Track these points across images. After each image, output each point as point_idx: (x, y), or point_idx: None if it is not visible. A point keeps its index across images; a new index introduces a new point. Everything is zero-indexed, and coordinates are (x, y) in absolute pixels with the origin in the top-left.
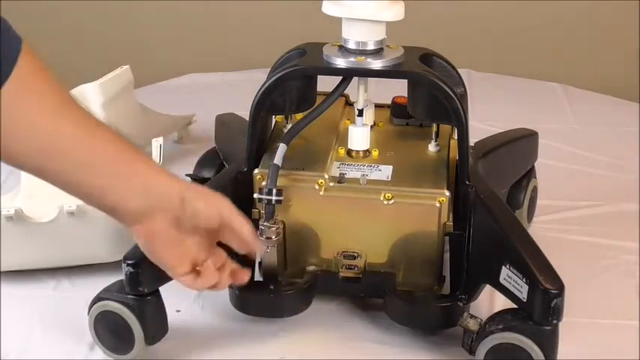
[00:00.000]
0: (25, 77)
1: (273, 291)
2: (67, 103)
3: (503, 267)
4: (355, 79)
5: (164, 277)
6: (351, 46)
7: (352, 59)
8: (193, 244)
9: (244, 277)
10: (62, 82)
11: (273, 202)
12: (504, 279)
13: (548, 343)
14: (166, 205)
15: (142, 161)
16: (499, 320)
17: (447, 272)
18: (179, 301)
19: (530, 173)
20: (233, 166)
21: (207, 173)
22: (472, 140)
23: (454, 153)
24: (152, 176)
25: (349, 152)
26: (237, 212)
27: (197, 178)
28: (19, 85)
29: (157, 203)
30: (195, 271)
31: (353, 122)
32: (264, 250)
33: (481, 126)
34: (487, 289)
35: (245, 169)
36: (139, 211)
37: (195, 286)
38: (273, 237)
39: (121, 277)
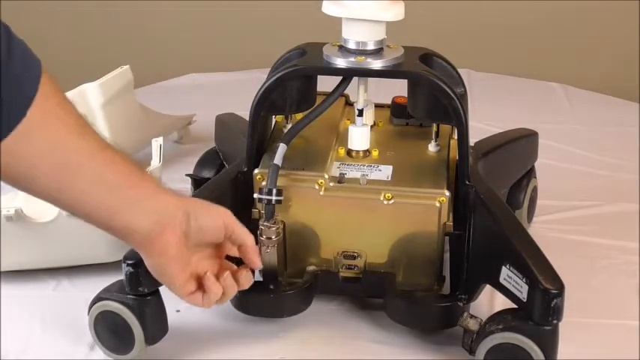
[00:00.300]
0: (47, 98)
1: (273, 291)
2: (84, 123)
3: (503, 267)
4: (355, 79)
5: None
6: (351, 46)
7: (352, 59)
8: (199, 260)
9: (247, 279)
10: (65, 88)
11: (273, 202)
12: (504, 279)
13: (548, 343)
14: (174, 221)
15: (149, 181)
16: (499, 320)
17: (447, 272)
18: (179, 301)
19: (530, 173)
20: (233, 166)
21: (207, 173)
22: (472, 140)
23: (454, 153)
24: (159, 195)
25: (349, 152)
26: (239, 224)
27: (197, 178)
28: (43, 107)
29: (165, 219)
30: (201, 288)
31: (353, 122)
32: (260, 267)
33: (481, 126)
34: (487, 289)
35: (245, 169)
36: (148, 228)
37: (203, 304)
38: (273, 237)
39: (121, 277)
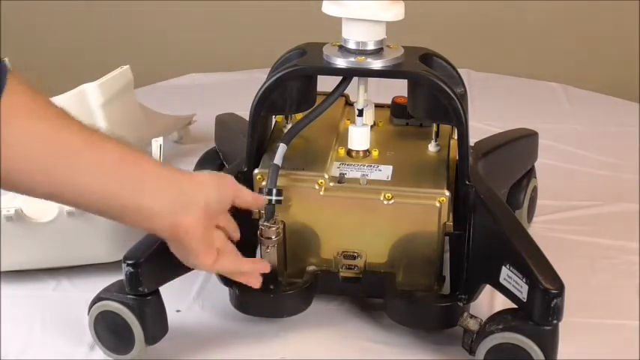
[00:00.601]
0: (14, 93)
1: (273, 291)
2: (64, 115)
3: (503, 267)
4: (355, 79)
5: (164, 277)
6: (351, 46)
7: (352, 59)
8: (218, 234)
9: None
10: (65, 88)
11: (273, 202)
12: (504, 279)
13: (548, 343)
14: (194, 206)
15: (150, 162)
16: (499, 320)
17: (447, 272)
18: (179, 301)
19: (530, 173)
20: (233, 166)
21: None
22: (472, 140)
23: (454, 153)
24: (178, 175)
25: (349, 152)
26: (243, 189)
27: None
28: (10, 104)
29: (186, 205)
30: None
31: (353, 122)
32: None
33: (481, 126)
34: (487, 289)
35: (245, 169)
36: (170, 208)
37: (230, 267)
38: (273, 237)
39: (121, 277)
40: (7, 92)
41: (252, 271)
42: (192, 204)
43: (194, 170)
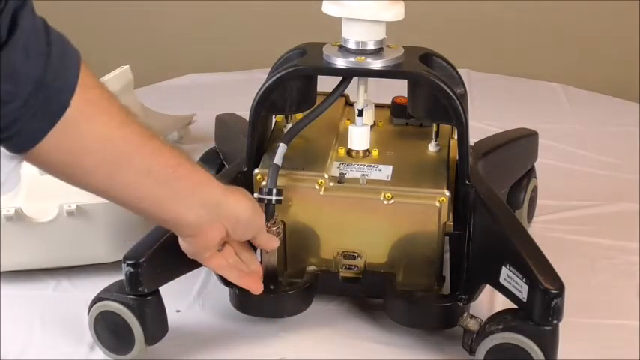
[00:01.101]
0: (88, 88)
1: (273, 291)
2: (127, 113)
3: (503, 267)
4: (355, 79)
5: (164, 277)
6: (351, 46)
7: (352, 59)
8: (229, 250)
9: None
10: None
11: (273, 202)
12: (504, 279)
13: (548, 343)
14: (221, 219)
15: (198, 172)
16: (499, 320)
17: (447, 272)
18: (179, 301)
19: (530, 173)
20: (233, 166)
21: None
22: (472, 140)
23: (454, 153)
24: (207, 188)
25: (349, 152)
26: (261, 215)
27: None
28: (85, 96)
29: (212, 216)
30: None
31: (353, 122)
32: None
33: (481, 126)
34: (487, 289)
35: (245, 169)
36: (195, 222)
37: (230, 272)
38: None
39: (121, 277)
40: (82, 86)
41: (247, 284)
42: (224, 219)
43: None
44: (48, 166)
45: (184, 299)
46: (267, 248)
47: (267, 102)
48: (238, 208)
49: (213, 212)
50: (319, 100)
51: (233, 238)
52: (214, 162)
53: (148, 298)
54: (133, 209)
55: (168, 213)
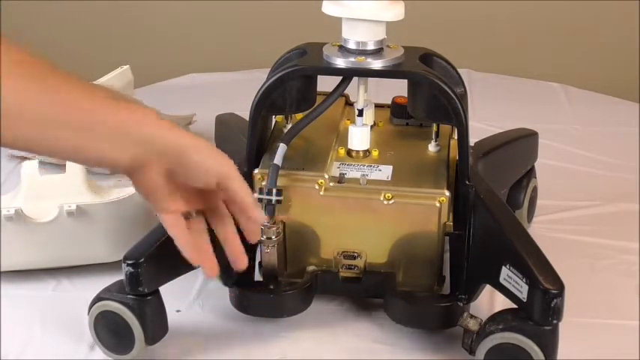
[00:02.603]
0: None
1: (273, 291)
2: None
3: (503, 267)
4: (355, 79)
5: (164, 277)
6: (351, 46)
7: (352, 59)
8: (186, 196)
9: (243, 260)
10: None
11: (273, 202)
12: (504, 279)
13: (548, 343)
14: (160, 157)
15: (127, 108)
16: (499, 320)
17: (447, 272)
18: (179, 301)
19: (530, 173)
20: None
21: None
22: (472, 140)
23: (454, 153)
24: (142, 124)
25: (349, 152)
26: (238, 175)
27: None
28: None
29: (146, 156)
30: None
31: (353, 122)
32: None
33: (481, 126)
34: (487, 289)
35: (245, 169)
36: (128, 163)
37: (182, 235)
38: (273, 237)
39: (121, 277)
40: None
41: (197, 259)
42: (162, 155)
43: None
44: None
45: (184, 299)
46: (243, 198)
47: (267, 102)
48: (180, 142)
49: (146, 149)
50: (319, 100)
51: (183, 180)
52: None
53: (148, 298)
54: (55, 157)
55: (90, 156)
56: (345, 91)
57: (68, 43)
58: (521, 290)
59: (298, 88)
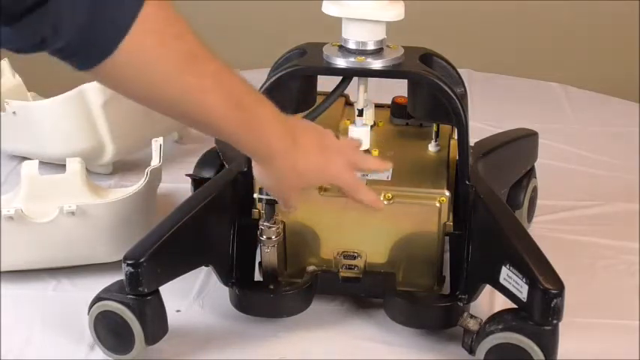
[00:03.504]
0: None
1: (273, 291)
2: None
3: (503, 267)
4: (355, 79)
5: (164, 277)
6: (351, 46)
7: (352, 59)
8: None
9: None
10: (65, 88)
11: (274, 202)
12: (504, 279)
13: (548, 343)
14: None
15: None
16: (499, 320)
17: (447, 272)
18: (179, 301)
19: (530, 173)
20: (233, 166)
21: (207, 173)
22: (472, 140)
23: (454, 153)
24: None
25: None
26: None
27: (197, 178)
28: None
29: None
30: None
31: (353, 122)
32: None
33: (481, 126)
34: (487, 289)
35: (245, 169)
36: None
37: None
38: (273, 237)
39: (121, 277)
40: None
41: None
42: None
43: (194, 171)
44: (117, 82)
45: (184, 299)
46: (370, 203)
47: None
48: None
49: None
50: (319, 100)
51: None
52: (214, 162)
53: (148, 298)
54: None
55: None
56: (345, 91)
57: None
58: (521, 290)
59: (298, 88)
